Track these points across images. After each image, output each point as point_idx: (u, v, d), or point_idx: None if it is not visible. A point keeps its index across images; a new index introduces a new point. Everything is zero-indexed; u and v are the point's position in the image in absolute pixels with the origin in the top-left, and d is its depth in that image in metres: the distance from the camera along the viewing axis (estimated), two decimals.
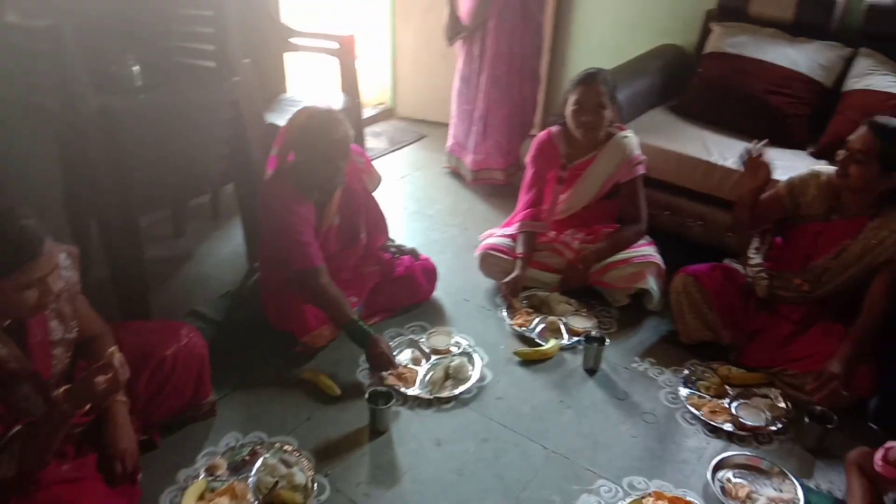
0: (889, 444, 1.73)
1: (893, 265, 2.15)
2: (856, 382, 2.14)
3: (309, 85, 3.91)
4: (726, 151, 2.83)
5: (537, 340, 2.50)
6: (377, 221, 2.55)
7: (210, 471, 1.88)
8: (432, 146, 4.14)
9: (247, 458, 1.94)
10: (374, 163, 2.61)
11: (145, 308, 2.42)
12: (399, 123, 4.48)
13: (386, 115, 4.55)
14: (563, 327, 2.56)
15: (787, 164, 2.64)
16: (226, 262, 2.93)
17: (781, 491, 1.94)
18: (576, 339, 2.50)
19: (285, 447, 1.97)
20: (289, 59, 3.38)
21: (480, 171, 3.59)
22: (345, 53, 3.19)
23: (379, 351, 2.23)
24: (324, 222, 2.35)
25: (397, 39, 4.36)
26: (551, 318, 2.59)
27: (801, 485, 1.94)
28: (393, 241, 2.71)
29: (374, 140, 4.14)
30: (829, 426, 2.07)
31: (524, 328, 2.55)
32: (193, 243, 3.06)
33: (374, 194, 2.55)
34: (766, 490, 1.94)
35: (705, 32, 3.33)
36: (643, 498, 1.87)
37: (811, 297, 2.33)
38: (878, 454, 1.74)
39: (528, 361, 2.41)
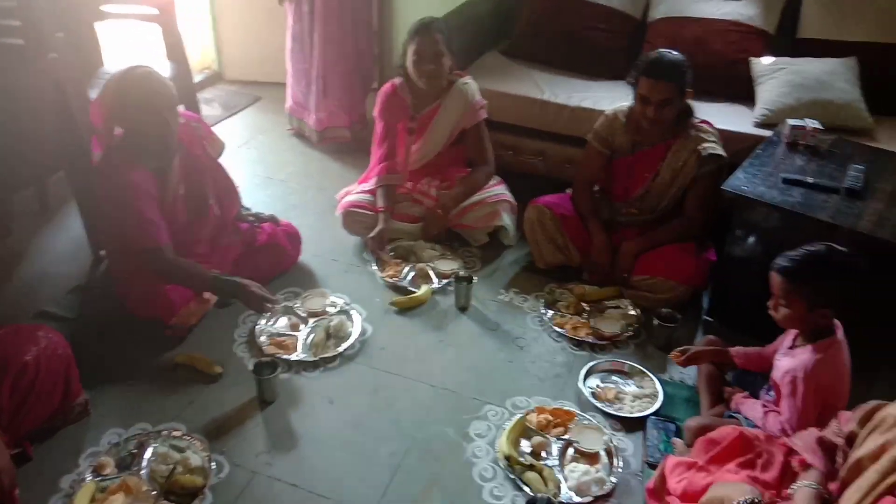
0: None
1: (700, 181, 2.45)
2: (691, 273, 2.44)
3: (127, 56, 3.61)
4: (556, 88, 3.03)
5: (410, 288, 2.58)
6: (227, 189, 2.47)
7: (97, 471, 1.80)
8: (270, 108, 4.02)
9: (134, 451, 1.87)
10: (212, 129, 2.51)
11: None
12: (230, 87, 4.28)
13: (214, 79, 4.33)
14: (431, 272, 2.66)
15: (610, 95, 2.89)
16: (65, 255, 2.71)
17: (643, 387, 2.20)
18: (445, 281, 2.62)
19: (174, 433, 1.92)
20: (102, 29, 3.11)
21: (326, 130, 3.55)
22: (166, 18, 3.00)
23: (252, 291, 2.18)
24: (168, 192, 2.23)
25: (216, 0, 4.13)
26: (420, 265, 2.68)
27: (658, 379, 2.20)
28: (249, 209, 2.65)
29: (206, 107, 3.92)
30: (675, 324, 2.35)
31: (396, 279, 2.62)
32: (23, 242, 2.78)
33: (220, 162, 2.46)
34: (630, 389, 2.19)
35: None
36: (527, 414, 2.04)
37: (643, 220, 2.60)
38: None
39: (405, 309, 2.49)
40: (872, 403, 1.40)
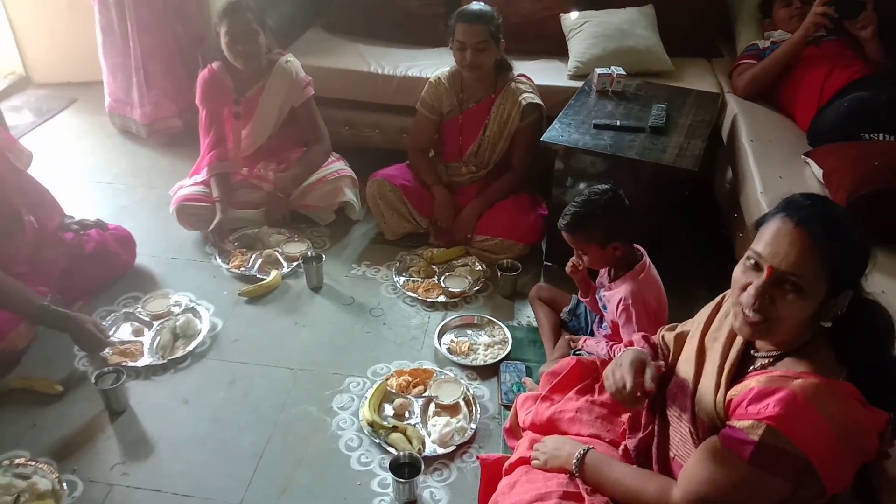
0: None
1: (523, 132, 2.59)
2: (527, 231, 2.58)
3: None
4: (382, 60, 3.05)
5: (259, 276, 2.55)
6: (42, 200, 2.31)
7: None
8: (88, 108, 3.75)
9: None
10: (22, 140, 2.33)
11: None
12: (40, 92, 3.95)
13: (21, 85, 3.97)
14: (280, 257, 2.64)
15: (435, 62, 2.96)
16: None
17: (494, 336, 2.31)
18: (294, 263, 2.60)
19: (16, 461, 1.80)
20: None
21: (154, 122, 3.37)
22: None
23: (85, 330, 2.09)
24: None
25: (7, 1, 3.78)
26: (266, 251, 2.65)
27: (507, 326, 2.33)
28: (72, 217, 2.48)
29: (15, 116, 3.62)
30: (517, 272, 2.49)
31: (243, 268, 2.58)
32: None
33: (30, 172, 2.29)
34: (482, 339, 2.30)
35: None
36: (387, 379, 2.10)
37: (480, 177, 2.71)
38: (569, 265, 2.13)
39: (255, 298, 2.46)
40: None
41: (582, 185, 2.38)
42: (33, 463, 1.81)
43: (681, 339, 1.41)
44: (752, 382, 1.11)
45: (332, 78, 2.99)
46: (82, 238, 2.40)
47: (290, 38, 3.17)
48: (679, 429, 1.29)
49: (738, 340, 1.23)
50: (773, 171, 2.25)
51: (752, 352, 1.21)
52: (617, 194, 1.89)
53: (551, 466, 1.39)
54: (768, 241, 1.11)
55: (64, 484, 1.76)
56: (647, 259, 1.94)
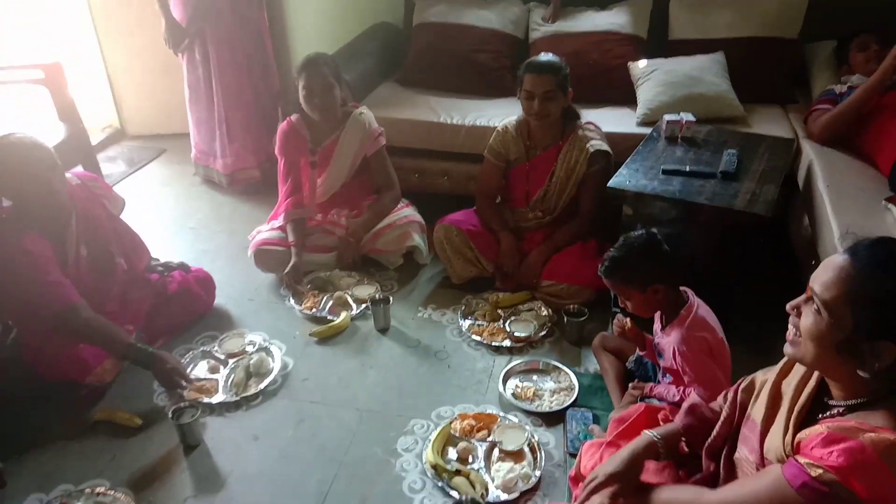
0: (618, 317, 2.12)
1: (591, 179, 2.60)
2: (594, 277, 2.56)
3: (14, 122, 3.54)
4: (451, 110, 3.15)
5: (329, 317, 2.62)
6: (132, 243, 2.47)
7: None
8: (176, 159, 4.00)
9: None
10: (116, 188, 2.50)
11: None
12: (133, 143, 4.25)
13: (116, 137, 4.29)
14: (349, 299, 2.71)
15: (502, 112, 3.02)
16: None
17: (560, 382, 2.29)
18: (363, 305, 2.66)
19: (97, 490, 1.89)
20: None
21: (234, 172, 3.56)
22: (53, 81, 2.98)
23: (167, 367, 2.19)
24: (67, 254, 2.22)
25: (109, 60, 4.11)
26: (337, 293, 2.72)
27: (573, 372, 2.30)
28: (158, 260, 2.64)
29: (110, 165, 3.90)
30: (584, 318, 2.46)
31: (314, 310, 2.65)
32: None
33: (122, 218, 2.46)
34: (548, 385, 2.28)
35: (410, 7, 3.63)
36: (452, 422, 2.10)
37: (547, 222, 2.73)
38: (616, 327, 2.12)
39: (325, 338, 2.52)
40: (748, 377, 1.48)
41: (656, 233, 2.36)
42: (112, 492, 1.89)
43: (751, 388, 1.38)
44: (822, 427, 1.08)
45: (404, 128, 3.10)
46: (166, 279, 2.54)
47: (365, 92, 3.31)
48: (748, 471, 1.25)
49: (811, 384, 1.20)
50: (852, 218, 2.18)
51: (827, 399, 1.17)
52: (653, 236, 1.88)
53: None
54: (820, 268, 1.13)
55: None
56: (693, 300, 1.89)
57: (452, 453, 2.01)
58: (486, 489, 1.88)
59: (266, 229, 2.87)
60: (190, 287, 2.57)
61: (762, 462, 1.21)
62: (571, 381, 2.27)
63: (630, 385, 2.11)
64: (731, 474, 1.30)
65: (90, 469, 1.99)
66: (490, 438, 2.04)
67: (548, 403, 2.19)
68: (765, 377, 1.38)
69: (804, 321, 1.13)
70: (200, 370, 2.37)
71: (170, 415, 2.06)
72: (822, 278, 1.11)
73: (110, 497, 1.88)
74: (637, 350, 2.17)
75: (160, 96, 4.12)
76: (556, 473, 1.95)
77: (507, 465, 1.95)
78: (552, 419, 2.14)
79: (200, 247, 3.14)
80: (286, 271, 2.73)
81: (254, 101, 3.49)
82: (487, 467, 1.96)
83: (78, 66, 3.97)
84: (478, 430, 2.07)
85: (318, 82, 2.67)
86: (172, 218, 3.41)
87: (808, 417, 1.17)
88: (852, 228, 2.12)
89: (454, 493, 1.86)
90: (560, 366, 2.33)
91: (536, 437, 2.04)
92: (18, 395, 2.21)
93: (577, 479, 1.80)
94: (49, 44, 3.87)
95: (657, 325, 1.99)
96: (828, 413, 1.15)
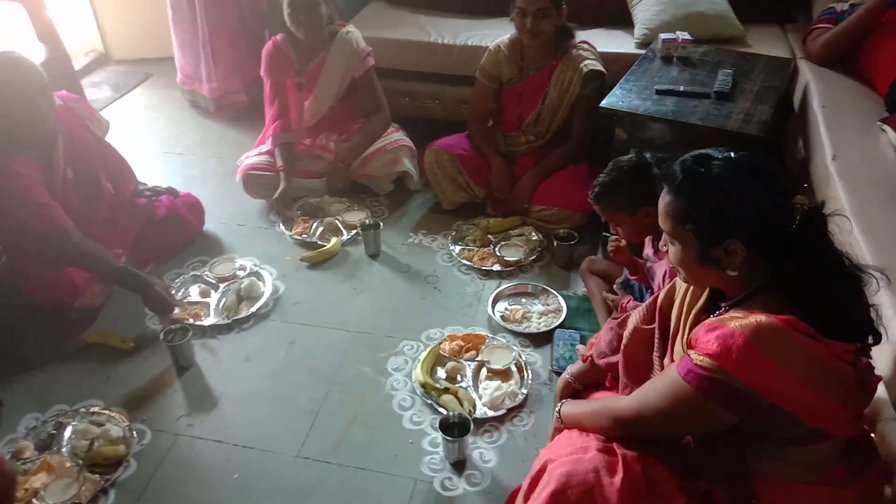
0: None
1: (584, 100, 2.55)
2: (585, 201, 2.54)
3: None
4: (442, 30, 3.06)
5: (319, 243, 2.61)
6: (119, 167, 2.43)
7: (16, 455, 1.79)
8: (162, 83, 3.91)
9: (53, 431, 1.87)
10: (101, 113, 2.45)
11: None
12: (118, 68, 4.14)
13: (101, 61, 4.17)
14: (340, 225, 2.70)
15: (495, 31, 2.94)
16: None
17: (548, 304, 2.30)
18: (354, 231, 2.65)
19: (92, 409, 1.93)
20: None
21: (221, 97, 3.49)
22: (30, 0, 2.87)
23: (155, 292, 2.19)
24: (55, 177, 2.19)
25: None
26: (327, 219, 2.71)
27: (561, 295, 2.32)
28: (146, 185, 2.61)
29: (95, 90, 3.81)
30: (574, 242, 2.46)
31: (305, 235, 2.65)
32: None
33: (108, 141, 2.42)
34: (536, 307, 2.30)
35: None
36: (441, 343, 2.12)
37: (539, 146, 2.69)
38: (610, 246, 2.12)
39: (316, 263, 2.53)
40: None
41: (647, 156, 2.33)
42: (107, 412, 1.93)
43: (671, 294, 1.43)
44: (709, 320, 1.15)
45: (393, 49, 3.02)
46: (155, 204, 2.52)
47: (353, 11, 3.21)
48: None
49: (705, 293, 1.29)
50: (846, 138, 2.15)
51: (719, 302, 1.25)
52: (642, 159, 1.85)
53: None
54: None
55: (134, 432, 1.87)
56: None
57: (441, 372, 2.05)
58: (474, 406, 1.92)
59: (254, 154, 2.83)
60: (179, 212, 2.55)
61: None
62: (559, 303, 2.29)
63: (611, 297, 2.12)
64: None
65: (84, 389, 2.02)
66: (478, 358, 2.07)
67: (536, 325, 2.21)
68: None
69: (669, 254, 1.25)
70: (192, 294, 2.38)
71: (162, 336, 2.08)
72: (659, 216, 1.23)
73: (105, 416, 1.91)
74: (624, 273, 2.17)
75: (144, 18, 3.98)
76: (543, 391, 1.99)
77: (495, 383, 1.98)
78: (540, 340, 2.17)
79: (189, 172, 3.10)
80: (275, 197, 2.71)
81: (239, 20, 3.38)
82: (475, 385, 2.00)
83: None
84: (466, 351, 2.10)
85: None
86: (160, 143, 3.36)
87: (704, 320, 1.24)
88: (845, 149, 2.10)
89: (443, 410, 1.89)
90: (548, 289, 2.35)
91: (524, 357, 2.07)
92: (10, 318, 2.22)
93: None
94: None
95: (648, 250, 1.98)
96: (716, 313, 1.22)
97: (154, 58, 4.10)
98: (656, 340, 1.41)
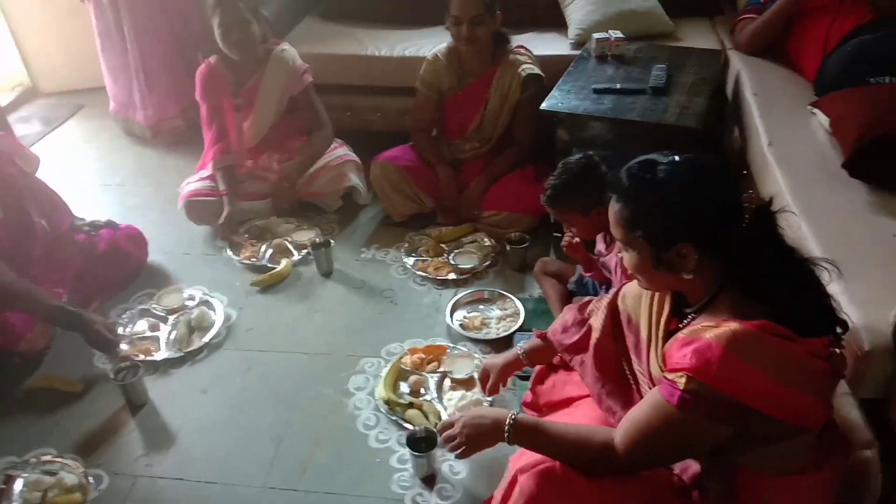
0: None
1: (525, 104, 2.57)
2: (534, 203, 2.56)
3: None
4: (379, 43, 3.05)
5: (270, 265, 2.56)
6: (51, 202, 2.34)
7: None
8: (95, 114, 3.79)
9: (2, 486, 1.77)
10: (33, 148, 2.36)
11: None
12: (48, 101, 4.00)
13: (29, 95, 4.03)
14: (289, 245, 2.65)
15: (431, 41, 2.94)
16: None
17: (506, 309, 2.31)
18: (304, 251, 2.61)
19: (43, 458, 1.85)
20: None
21: (157, 124, 3.40)
22: None
23: (95, 330, 2.11)
24: None
25: (9, 14, 3.81)
26: (276, 240, 2.66)
27: (518, 298, 2.32)
28: (83, 219, 2.52)
29: (24, 126, 3.67)
30: (525, 245, 2.48)
31: (254, 259, 2.59)
32: None
33: (38, 176, 2.33)
34: (494, 312, 2.30)
35: None
36: (402, 357, 2.10)
37: (484, 151, 2.70)
38: (564, 241, 2.12)
39: (268, 287, 2.48)
40: None
41: (593, 155, 2.35)
42: (60, 459, 1.85)
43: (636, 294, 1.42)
44: (680, 334, 1.15)
45: (330, 64, 2.99)
46: (94, 238, 2.44)
47: (286, 28, 3.17)
48: (646, 387, 1.33)
49: (668, 298, 1.28)
50: (779, 124, 2.22)
51: (684, 309, 1.25)
52: (590, 159, 1.87)
53: (482, 445, 1.40)
54: None
55: (90, 478, 1.80)
56: None
57: (404, 387, 2.03)
58: (440, 418, 1.90)
59: (195, 180, 2.76)
60: (120, 245, 2.47)
61: (651, 379, 1.29)
62: (517, 306, 2.29)
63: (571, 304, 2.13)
64: (640, 391, 1.36)
65: (33, 438, 1.94)
66: (441, 369, 2.06)
67: (495, 331, 2.21)
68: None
69: (625, 261, 1.25)
70: (140, 328, 2.31)
71: (112, 376, 2.01)
72: (610, 223, 1.24)
73: (58, 464, 1.83)
74: (578, 271, 2.19)
75: (71, 48, 3.86)
76: (507, 396, 1.98)
77: (459, 393, 1.97)
78: (500, 345, 2.16)
79: (128, 203, 3.01)
80: (220, 222, 2.65)
81: (172, 43, 3.29)
82: (440, 397, 1.98)
83: None
84: (428, 363, 2.09)
85: (234, 18, 2.53)
86: (96, 175, 3.25)
87: (675, 329, 1.24)
88: (779, 134, 2.16)
89: (408, 426, 1.87)
90: (505, 293, 2.35)
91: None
92: None
93: (532, 403, 1.83)
94: None
95: (600, 246, 2.00)
96: (685, 321, 1.22)
97: (84, 88, 3.97)
98: (625, 354, 1.41)
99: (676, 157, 1.17)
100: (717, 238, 1.13)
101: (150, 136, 3.42)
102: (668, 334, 1.25)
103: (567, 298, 2.23)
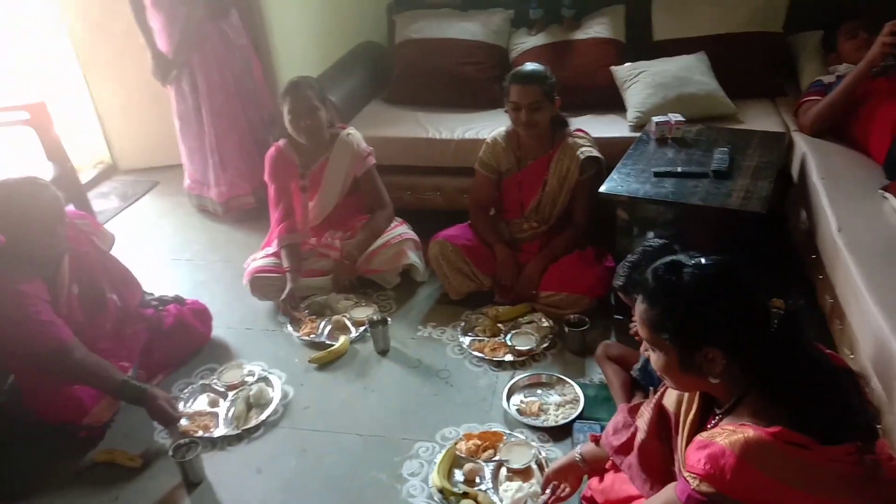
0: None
1: (583, 186, 2.59)
2: (593, 284, 2.54)
3: (3, 163, 3.54)
4: (439, 125, 3.14)
5: (328, 342, 2.59)
6: (124, 279, 2.45)
7: None
8: (170, 190, 3.99)
9: None
10: (110, 223, 2.49)
11: None
12: (126, 178, 4.23)
13: (109, 172, 4.27)
14: (347, 322, 2.68)
15: (490, 123, 3.02)
16: None
17: (565, 395, 2.25)
18: (362, 328, 2.63)
19: None
20: None
21: (229, 200, 3.54)
22: (39, 121, 2.97)
23: (157, 405, 2.16)
24: (59, 294, 2.20)
25: (96, 96, 4.09)
26: (335, 317, 2.69)
27: (577, 383, 2.27)
28: (152, 294, 2.62)
29: (103, 201, 3.88)
30: (585, 328, 2.43)
31: (313, 335, 2.62)
32: None
33: (113, 254, 2.44)
34: (553, 398, 2.24)
35: (391, 25, 3.63)
36: (456, 443, 2.06)
37: (542, 231, 2.71)
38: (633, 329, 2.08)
39: (325, 364, 2.49)
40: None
41: (638, 234, 2.33)
42: None
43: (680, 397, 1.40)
44: (699, 436, 1.13)
45: (393, 146, 3.08)
46: (162, 313, 2.52)
47: (352, 112, 3.31)
48: None
49: (697, 398, 1.27)
50: (849, 209, 2.15)
51: (714, 409, 1.23)
52: (669, 247, 1.84)
53: None
54: None
55: None
56: None
57: (459, 475, 1.98)
58: None
59: (260, 256, 2.85)
60: (186, 320, 2.54)
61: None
62: (576, 392, 2.23)
63: (637, 397, 2.07)
64: None
65: None
66: (496, 458, 2.01)
67: (553, 418, 2.15)
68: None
69: (653, 361, 1.24)
70: (200, 404, 2.34)
71: (170, 453, 2.03)
72: (637, 323, 1.23)
73: None
74: (642, 359, 2.13)
75: (150, 129, 4.11)
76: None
77: (516, 484, 1.91)
78: (559, 433, 2.10)
79: (197, 277, 3.12)
80: (282, 298, 2.71)
81: (245, 127, 3.46)
82: (495, 487, 1.92)
83: (66, 105, 3.98)
84: (483, 450, 2.04)
85: (303, 105, 2.65)
86: (168, 250, 3.39)
87: (701, 428, 1.23)
88: (849, 220, 2.10)
89: None
90: (564, 378, 2.30)
91: (544, 454, 2.00)
92: (18, 439, 2.19)
93: (592, 499, 1.75)
94: (36, 85, 3.88)
95: None
96: (713, 421, 1.20)
97: (161, 166, 4.20)
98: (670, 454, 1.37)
99: (703, 260, 1.16)
100: (744, 343, 1.12)
101: (222, 212, 3.56)
102: (695, 433, 1.23)
103: (630, 385, 2.16)
